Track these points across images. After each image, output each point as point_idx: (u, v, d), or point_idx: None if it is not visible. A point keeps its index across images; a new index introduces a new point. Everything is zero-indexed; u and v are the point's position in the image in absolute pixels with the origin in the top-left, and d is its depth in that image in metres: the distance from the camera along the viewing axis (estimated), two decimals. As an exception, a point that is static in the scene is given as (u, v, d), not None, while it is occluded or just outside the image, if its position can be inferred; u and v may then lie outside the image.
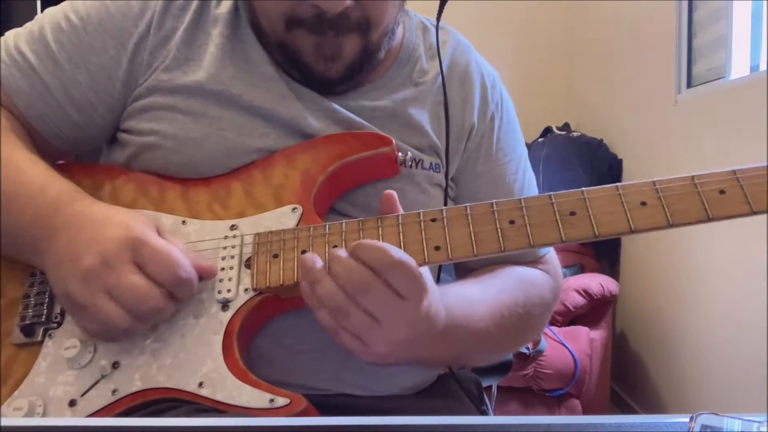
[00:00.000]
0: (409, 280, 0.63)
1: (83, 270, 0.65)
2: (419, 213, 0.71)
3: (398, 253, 0.63)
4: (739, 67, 2.13)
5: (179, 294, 0.68)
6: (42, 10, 0.87)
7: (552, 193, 0.69)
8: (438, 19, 0.89)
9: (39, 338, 0.72)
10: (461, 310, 0.76)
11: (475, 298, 0.79)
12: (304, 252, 0.71)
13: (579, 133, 3.21)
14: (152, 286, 0.65)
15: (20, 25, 0.85)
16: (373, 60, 0.83)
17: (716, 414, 0.45)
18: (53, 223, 0.70)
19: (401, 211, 0.72)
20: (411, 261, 0.64)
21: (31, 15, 0.86)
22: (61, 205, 0.71)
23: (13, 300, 0.75)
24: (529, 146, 3.32)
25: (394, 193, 0.72)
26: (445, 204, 0.84)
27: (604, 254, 3.03)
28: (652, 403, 2.63)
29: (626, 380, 2.88)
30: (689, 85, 2.39)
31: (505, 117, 0.93)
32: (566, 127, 3.40)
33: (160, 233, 0.70)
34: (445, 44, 0.92)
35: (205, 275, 0.70)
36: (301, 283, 0.67)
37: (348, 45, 0.78)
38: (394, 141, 0.79)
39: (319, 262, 0.65)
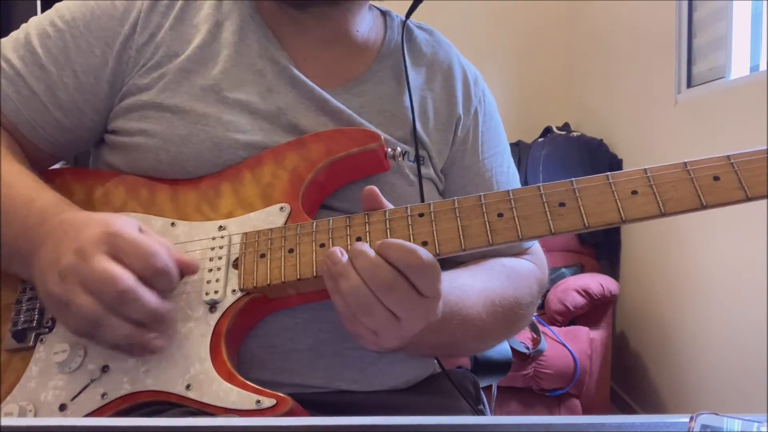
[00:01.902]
0: (433, 281, 0.64)
1: (62, 268, 0.64)
2: (407, 208, 0.70)
3: (426, 254, 0.63)
4: (739, 67, 2.13)
5: (157, 284, 0.65)
6: (42, 11, 0.87)
7: (541, 184, 0.68)
8: (408, 15, 0.93)
9: (31, 343, 0.72)
10: (455, 297, 0.76)
11: (466, 286, 0.79)
12: (291, 251, 0.70)
13: (579, 133, 3.22)
14: (123, 271, 0.63)
15: (20, 25, 0.85)
16: None
17: (716, 414, 0.44)
18: (40, 234, 0.69)
19: (387, 205, 0.71)
20: (436, 262, 0.64)
21: (31, 15, 0.86)
22: (47, 215, 0.71)
23: (8, 306, 0.75)
24: (528, 146, 3.33)
25: (376, 188, 0.72)
26: (420, 189, 0.84)
27: (604, 254, 3.03)
28: (652, 403, 2.63)
29: (626, 380, 2.88)
30: (689, 85, 2.39)
31: (488, 113, 0.96)
32: (566, 127, 3.40)
33: (143, 233, 0.69)
34: (427, 42, 0.95)
35: (185, 269, 0.69)
36: (323, 275, 0.66)
37: None
38: (382, 137, 0.79)
39: (345, 256, 0.64)
